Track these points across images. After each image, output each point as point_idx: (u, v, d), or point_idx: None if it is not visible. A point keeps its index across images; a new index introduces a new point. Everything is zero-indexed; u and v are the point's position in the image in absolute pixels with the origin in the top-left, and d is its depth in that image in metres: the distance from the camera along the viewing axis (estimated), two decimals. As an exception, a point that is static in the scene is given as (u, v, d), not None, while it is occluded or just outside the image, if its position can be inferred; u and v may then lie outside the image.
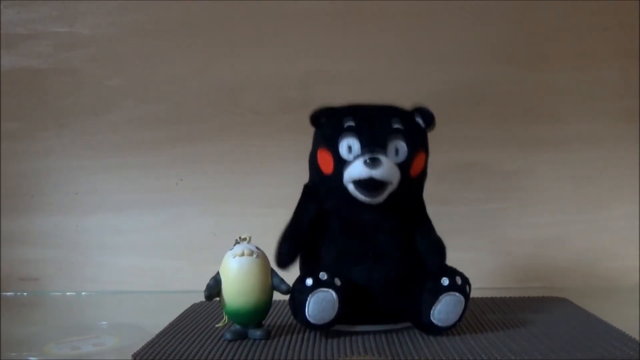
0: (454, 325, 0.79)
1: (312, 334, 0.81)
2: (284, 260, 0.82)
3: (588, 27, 1.11)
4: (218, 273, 0.79)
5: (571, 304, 0.96)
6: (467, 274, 0.79)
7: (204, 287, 0.79)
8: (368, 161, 0.77)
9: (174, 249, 1.14)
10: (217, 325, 0.84)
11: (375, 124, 0.80)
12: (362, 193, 0.79)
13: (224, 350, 0.76)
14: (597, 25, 1.11)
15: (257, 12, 1.11)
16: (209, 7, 1.12)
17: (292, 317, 0.82)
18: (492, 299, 0.99)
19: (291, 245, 0.83)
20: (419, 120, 0.83)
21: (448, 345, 0.76)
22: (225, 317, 0.81)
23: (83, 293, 1.14)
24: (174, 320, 0.90)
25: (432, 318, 0.78)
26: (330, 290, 0.76)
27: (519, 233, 1.12)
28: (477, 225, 1.12)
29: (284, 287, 0.79)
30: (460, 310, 0.78)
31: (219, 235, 1.13)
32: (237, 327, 0.80)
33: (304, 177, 0.86)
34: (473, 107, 1.12)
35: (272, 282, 0.79)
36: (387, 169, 0.78)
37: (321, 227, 0.83)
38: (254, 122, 1.13)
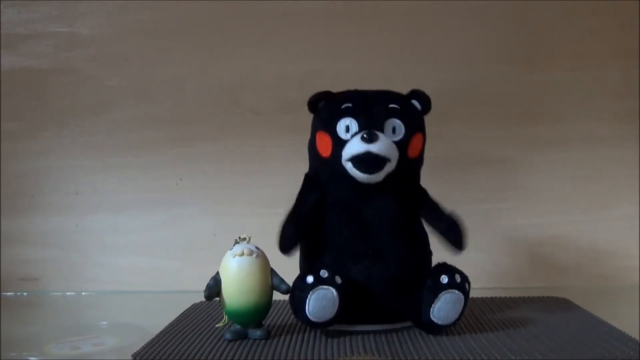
0: (453, 324, 0.79)
1: (312, 334, 0.81)
2: (287, 244, 0.81)
3: (588, 27, 1.11)
4: (218, 273, 0.79)
5: (571, 304, 0.96)
6: (467, 274, 0.80)
7: (204, 287, 0.79)
8: (365, 136, 0.77)
9: (174, 249, 1.14)
10: (217, 325, 0.84)
11: (372, 105, 0.81)
12: (360, 170, 0.79)
13: (224, 350, 0.76)
14: (597, 25, 1.11)
15: (257, 12, 1.11)
16: (209, 7, 1.12)
17: (292, 317, 0.82)
18: (492, 298, 0.99)
19: (295, 228, 0.82)
20: (416, 104, 0.83)
21: (448, 345, 0.76)
22: (225, 317, 0.81)
23: (83, 293, 1.14)
24: (174, 320, 0.90)
25: (431, 316, 0.78)
26: (331, 287, 0.76)
27: (519, 233, 1.12)
28: (477, 225, 1.11)
29: (283, 287, 0.79)
30: (459, 308, 0.78)
31: (219, 235, 1.13)
32: (237, 327, 0.80)
33: (303, 176, 0.86)
34: (473, 107, 1.12)
35: (272, 282, 0.80)
36: (384, 146, 0.78)
37: (321, 222, 0.83)
38: (254, 122, 1.13)
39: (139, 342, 0.79)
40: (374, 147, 0.78)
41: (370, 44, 1.12)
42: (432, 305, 0.77)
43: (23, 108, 1.14)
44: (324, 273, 0.77)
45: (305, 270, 0.81)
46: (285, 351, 0.75)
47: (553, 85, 1.12)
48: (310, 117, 0.86)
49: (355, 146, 0.78)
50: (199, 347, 0.77)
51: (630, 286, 1.10)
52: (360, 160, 0.78)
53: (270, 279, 0.80)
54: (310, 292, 0.76)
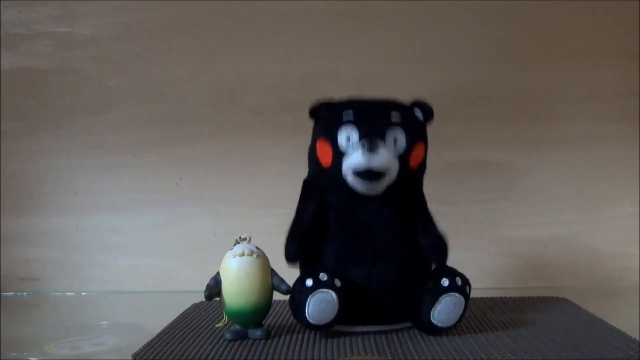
0: (454, 326, 0.79)
1: (312, 334, 0.81)
2: (292, 258, 0.82)
3: (588, 27, 1.11)
4: (218, 273, 0.79)
5: (571, 304, 0.96)
6: (467, 274, 0.79)
7: (204, 287, 0.79)
8: (366, 150, 0.77)
9: (174, 249, 1.14)
10: (217, 325, 0.84)
11: (374, 116, 0.81)
12: (361, 183, 0.79)
13: (223, 350, 0.76)
14: (597, 25, 1.11)
15: (257, 12, 1.11)
16: (209, 7, 1.12)
17: (292, 318, 0.82)
18: (492, 299, 0.99)
19: (299, 243, 0.82)
20: (418, 114, 0.83)
21: (448, 345, 0.76)
22: (225, 317, 0.81)
23: (83, 293, 1.14)
24: (174, 320, 0.90)
25: (432, 319, 0.78)
26: (330, 291, 0.76)
27: (519, 233, 1.12)
28: (477, 225, 1.12)
29: (284, 287, 0.79)
30: (460, 311, 0.78)
31: (219, 235, 1.13)
32: (237, 327, 0.80)
33: (303, 177, 0.86)
34: (473, 107, 1.12)
35: (272, 282, 0.80)
36: (385, 158, 0.78)
37: (321, 226, 0.83)
38: (254, 122, 1.13)
39: (139, 342, 0.79)
40: (375, 162, 0.77)
41: (371, 44, 1.12)
42: (433, 307, 0.77)
43: (23, 108, 1.14)
44: (323, 276, 0.77)
45: (304, 272, 0.81)
46: (285, 351, 0.75)
47: (553, 85, 1.12)
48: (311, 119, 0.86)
49: (356, 158, 0.78)
50: (199, 347, 0.77)
51: (630, 286, 1.10)
52: (360, 173, 0.78)
53: (271, 279, 0.80)
54: (310, 296, 0.76)
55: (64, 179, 1.14)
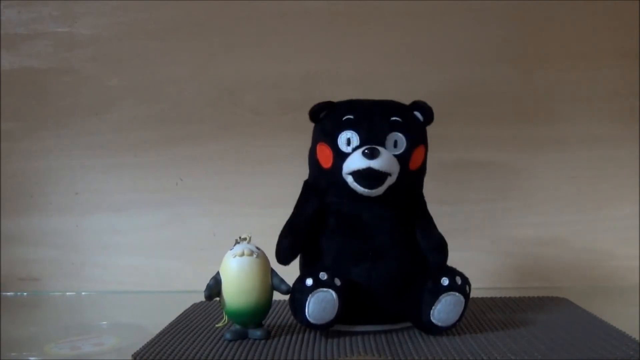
0: (454, 325, 0.79)
1: (312, 334, 0.81)
2: (284, 256, 0.82)
3: (588, 27, 1.11)
4: (218, 273, 0.79)
5: (571, 304, 0.96)
6: (467, 274, 0.79)
7: (204, 287, 0.79)
8: (367, 152, 0.77)
9: (174, 249, 1.14)
10: (217, 325, 0.84)
11: (374, 118, 0.81)
12: (361, 185, 0.79)
13: (224, 350, 0.76)
14: (597, 25, 1.11)
15: (258, 12, 1.11)
16: (209, 7, 1.12)
17: (292, 317, 0.82)
18: (492, 298, 0.99)
19: (292, 241, 0.82)
20: (418, 115, 0.83)
21: (448, 345, 0.76)
22: (225, 317, 0.81)
23: (83, 293, 1.14)
24: (174, 320, 0.90)
25: (432, 318, 0.78)
26: (330, 290, 0.76)
27: (519, 233, 1.12)
28: (477, 225, 1.12)
29: (284, 287, 0.79)
30: (460, 310, 0.78)
31: (219, 235, 1.13)
32: (237, 327, 0.80)
33: (303, 177, 0.87)
34: (473, 107, 1.12)
35: (272, 282, 0.80)
36: (385, 160, 0.78)
37: (321, 225, 0.83)
38: (254, 122, 1.13)
39: (139, 342, 0.79)
40: (375, 163, 0.78)
41: (370, 44, 1.12)
42: (433, 307, 0.77)
43: (23, 108, 1.14)
44: (323, 275, 0.77)
45: (304, 272, 0.81)
46: (285, 351, 0.75)
47: (553, 85, 1.12)
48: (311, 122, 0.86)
49: (356, 161, 0.78)
50: (199, 347, 0.77)
51: (630, 286, 1.10)
52: (361, 176, 0.78)
53: (271, 279, 0.80)
54: (310, 295, 0.76)
55: (64, 179, 1.14)
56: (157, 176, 1.14)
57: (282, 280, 0.80)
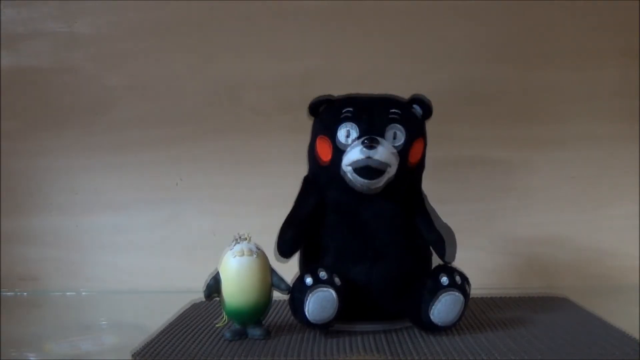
0: (453, 324, 0.79)
1: (312, 333, 0.81)
2: (286, 249, 0.82)
3: (588, 26, 1.11)
4: (218, 272, 0.79)
5: (571, 303, 0.96)
6: (467, 273, 0.80)
7: (203, 287, 0.79)
8: (366, 142, 0.77)
9: (174, 248, 1.14)
10: (216, 325, 0.84)
11: (373, 111, 0.81)
12: (360, 176, 0.79)
13: (223, 349, 0.76)
14: (597, 24, 1.11)
15: (257, 11, 1.11)
16: (208, 6, 1.12)
17: (291, 317, 0.82)
18: (492, 298, 0.99)
19: (295, 232, 0.82)
20: (417, 109, 0.83)
21: (448, 344, 0.76)
22: (225, 316, 0.81)
23: (83, 292, 1.14)
24: (173, 320, 0.90)
25: (431, 317, 0.78)
26: (330, 289, 0.76)
27: (519, 232, 1.12)
28: (477, 224, 1.12)
29: (283, 286, 0.79)
30: (459, 309, 0.78)
31: (219, 234, 1.13)
32: (237, 326, 0.80)
33: (303, 176, 0.86)
34: (472, 107, 1.12)
35: (271, 282, 0.80)
36: (385, 153, 0.78)
37: (321, 222, 0.83)
38: (254, 121, 1.13)
39: (138, 341, 0.79)
40: (374, 155, 0.78)
41: (370, 44, 1.12)
42: (432, 306, 0.77)
43: (23, 107, 1.14)
44: (323, 274, 0.77)
45: (304, 271, 0.81)
46: (284, 350, 0.75)
47: (553, 84, 1.12)
48: (310, 116, 0.86)
49: (355, 153, 0.78)
50: (198, 346, 0.77)
51: (630, 286, 1.10)
52: (360, 168, 0.78)
53: (270, 279, 0.80)
54: (310, 294, 0.76)
55: (63, 178, 1.14)
56: (157, 176, 1.14)
57: (281, 280, 0.80)
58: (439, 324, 0.78)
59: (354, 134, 0.80)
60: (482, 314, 0.90)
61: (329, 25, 1.12)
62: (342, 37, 1.12)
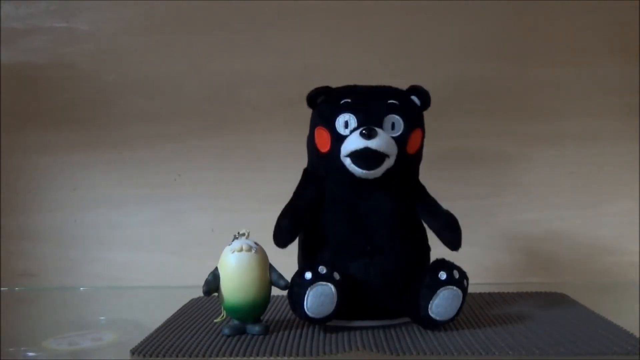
0: (452, 319, 0.79)
1: (310, 329, 0.81)
2: (283, 237, 0.81)
3: (586, 23, 1.11)
4: (216, 268, 0.79)
5: (570, 300, 0.96)
6: (465, 269, 0.80)
7: (202, 283, 0.79)
8: (364, 132, 0.77)
9: (172, 245, 1.14)
10: (215, 321, 0.84)
11: (371, 101, 0.81)
12: (359, 166, 0.79)
13: (222, 345, 0.76)
14: (596, 21, 1.11)
15: (256, 8, 1.11)
16: (207, 3, 1.11)
17: (290, 313, 0.82)
18: (490, 294, 0.99)
19: (291, 221, 0.82)
20: (415, 99, 0.83)
21: (446, 340, 0.76)
22: (224, 313, 0.81)
23: (81, 288, 1.14)
24: (172, 316, 0.90)
25: (430, 312, 0.78)
26: (329, 284, 0.76)
27: (517, 228, 1.12)
28: (476, 220, 1.12)
29: (282, 283, 0.79)
30: (458, 304, 0.78)
31: (217, 230, 1.13)
32: (236, 322, 0.80)
33: (302, 172, 0.86)
34: (471, 103, 1.12)
35: (270, 278, 0.80)
36: (383, 140, 0.78)
37: (320, 215, 0.83)
38: (253, 117, 1.13)
39: (137, 338, 0.79)
40: (372, 143, 0.78)
41: (369, 40, 1.12)
42: (430, 301, 0.77)
43: (21, 103, 1.14)
44: (322, 269, 0.77)
45: (303, 266, 0.81)
46: (283, 347, 0.75)
47: (552, 81, 1.12)
48: (309, 112, 0.86)
49: (354, 142, 0.78)
50: (197, 342, 0.77)
51: (629, 282, 1.10)
52: (359, 156, 0.78)
53: (269, 275, 0.80)
54: (309, 289, 0.76)
55: (62, 174, 1.14)
56: (155, 172, 1.14)
57: (280, 276, 0.80)
58: (438, 319, 0.78)
59: (353, 123, 0.80)
60: (480, 309, 0.90)
61: (328, 22, 1.12)
62: (341, 34, 1.12)
